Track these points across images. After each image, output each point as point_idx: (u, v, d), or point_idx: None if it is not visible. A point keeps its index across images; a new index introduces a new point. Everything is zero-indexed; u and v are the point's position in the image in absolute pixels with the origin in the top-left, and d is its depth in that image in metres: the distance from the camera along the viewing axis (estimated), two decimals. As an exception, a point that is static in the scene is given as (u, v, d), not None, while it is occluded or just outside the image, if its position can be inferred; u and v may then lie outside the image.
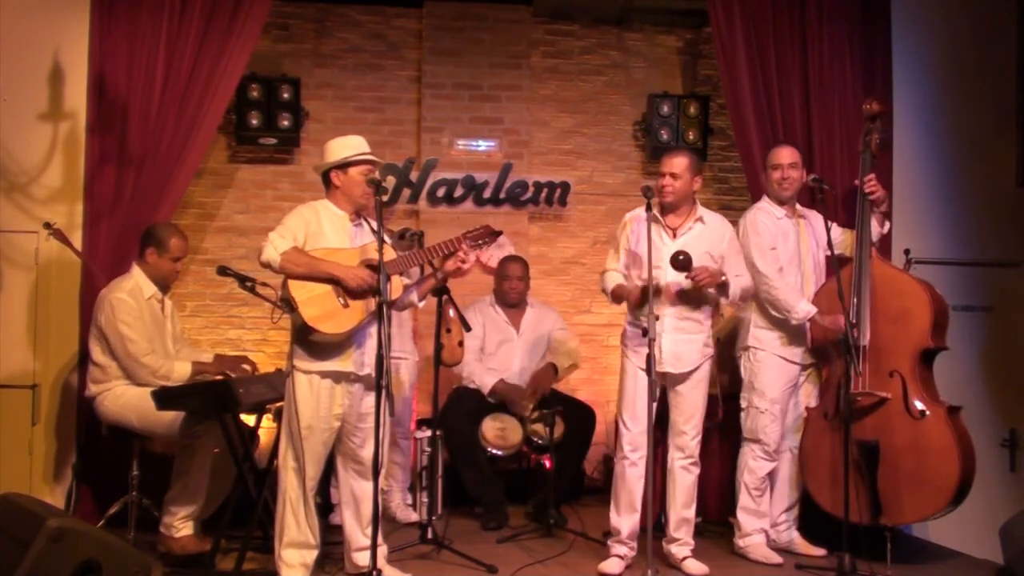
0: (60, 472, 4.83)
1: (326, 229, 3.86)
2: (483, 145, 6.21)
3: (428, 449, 4.94)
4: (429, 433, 4.90)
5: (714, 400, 4.58)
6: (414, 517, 4.98)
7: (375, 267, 3.70)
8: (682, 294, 4.18)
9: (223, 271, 4.23)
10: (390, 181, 5.84)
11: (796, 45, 5.21)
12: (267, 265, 3.73)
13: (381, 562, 3.73)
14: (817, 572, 4.24)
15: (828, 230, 4.40)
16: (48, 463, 4.82)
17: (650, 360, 3.88)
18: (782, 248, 4.51)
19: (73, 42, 4.86)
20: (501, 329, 5.48)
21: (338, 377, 3.83)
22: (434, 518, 4.63)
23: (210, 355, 4.72)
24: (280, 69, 5.95)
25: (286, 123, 5.78)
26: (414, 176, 6.05)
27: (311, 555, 3.87)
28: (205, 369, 4.49)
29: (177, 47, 4.85)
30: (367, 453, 3.83)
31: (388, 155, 5.93)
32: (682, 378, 4.24)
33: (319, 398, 3.80)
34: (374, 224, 3.80)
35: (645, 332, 3.93)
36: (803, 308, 4.41)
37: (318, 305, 3.72)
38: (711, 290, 4.17)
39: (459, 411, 5.16)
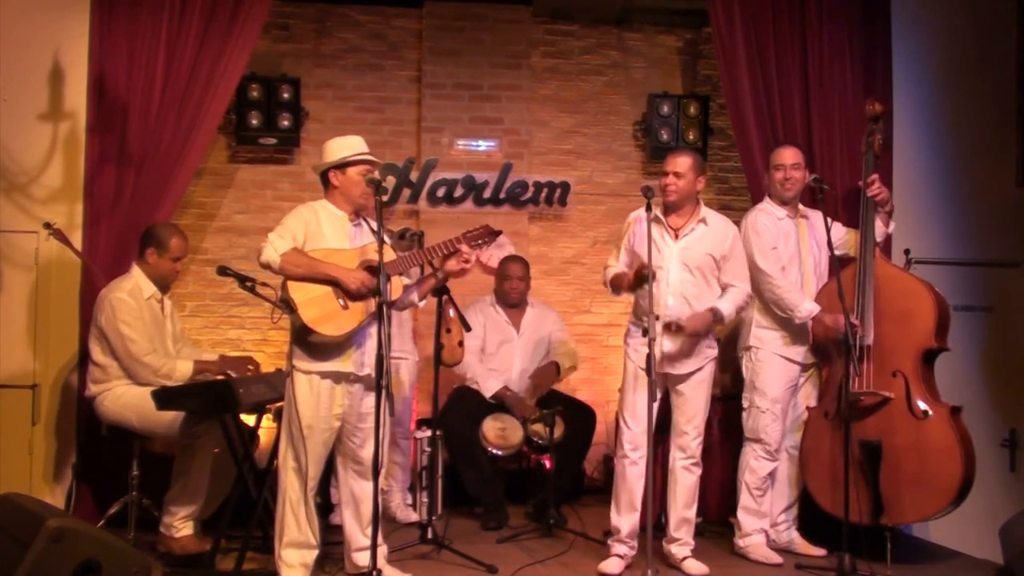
0: (60, 472, 4.83)
1: (325, 229, 3.85)
2: (483, 145, 6.20)
3: (428, 449, 4.94)
4: (429, 433, 4.89)
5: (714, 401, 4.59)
6: (414, 517, 4.98)
7: (375, 268, 3.70)
8: (682, 301, 4.18)
9: (223, 271, 4.22)
10: (390, 181, 5.84)
11: (796, 45, 5.21)
12: (267, 266, 3.73)
13: (381, 562, 3.73)
14: (817, 572, 4.24)
15: (828, 230, 4.39)
16: (48, 463, 4.82)
17: (650, 360, 3.87)
18: (782, 248, 4.51)
19: (73, 42, 4.85)
20: (502, 329, 5.47)
21: (338, 377, 3.83)
22: (434, 518, 4.63)
23: (214, 354, 4.72)
24: (280, 69, 5.94)
25: (286, 123, 5.77)
26: (414, 176, 6.05)
27: (311, 555, 3.86)
28: (208, 368, 4.49)
29: (177, 47, 4.85)
30: (367, 453, 3.82)
31: (388, 155, 5.93)
32: (683, 379, 4.23)
33: (319, 398, 3.80)
34: (374, 224, 3.80)
35: (646, 332, 3.93)
36: (806, 307, 4.41)
37: (318, 307, 3.72)
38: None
39: (459, 411, 5.15)
